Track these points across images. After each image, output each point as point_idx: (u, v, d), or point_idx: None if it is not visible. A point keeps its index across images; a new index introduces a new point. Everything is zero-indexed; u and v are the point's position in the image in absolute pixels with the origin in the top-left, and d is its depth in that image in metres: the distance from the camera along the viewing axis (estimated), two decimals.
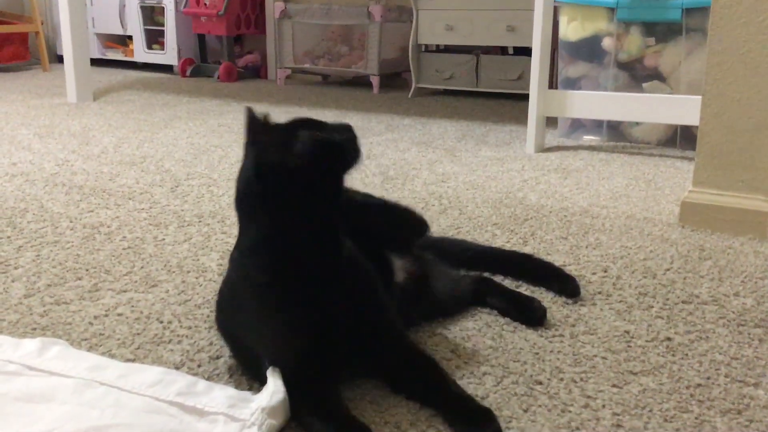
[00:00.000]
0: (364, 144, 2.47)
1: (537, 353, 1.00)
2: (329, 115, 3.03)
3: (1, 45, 4.47)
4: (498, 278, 1.25)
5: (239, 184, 0.87)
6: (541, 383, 0.92)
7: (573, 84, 2.55)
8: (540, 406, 0.87)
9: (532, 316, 1.10)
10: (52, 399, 0.76)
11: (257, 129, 0.85)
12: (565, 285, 1.22)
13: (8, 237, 1.48)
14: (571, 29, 2.51)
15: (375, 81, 3.84)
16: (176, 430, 0.74)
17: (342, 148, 0.85)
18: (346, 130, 0.86)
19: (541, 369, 0.96)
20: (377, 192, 1.82)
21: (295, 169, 0.82)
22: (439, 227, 1.57)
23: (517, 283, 1.25)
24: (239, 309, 0.91)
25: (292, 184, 0.83)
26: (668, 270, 1.33)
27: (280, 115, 2.99)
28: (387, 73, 3.94)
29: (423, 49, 3.71)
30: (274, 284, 0.85)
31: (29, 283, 1.25)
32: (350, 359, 0.89)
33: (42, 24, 4.59)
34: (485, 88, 3.56)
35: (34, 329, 1.08)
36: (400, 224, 1.09)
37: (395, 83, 4.04)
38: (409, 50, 3.64)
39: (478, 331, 1.08)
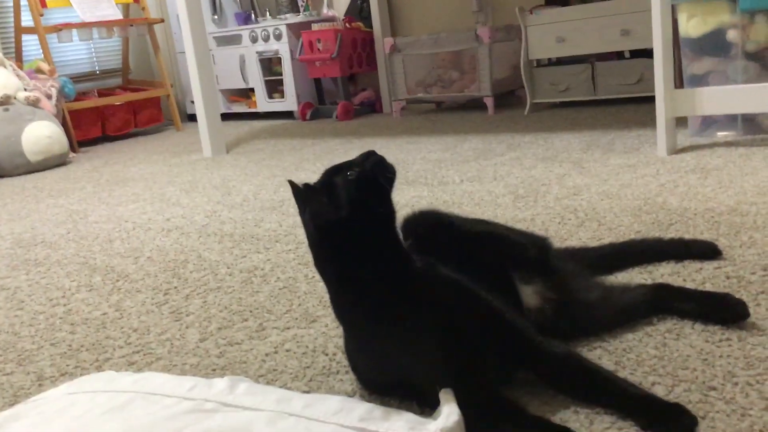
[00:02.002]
0: (488, 165, 2.48)
1: (705, 359, 0.98)
2: (448, 141, 3.07)
3: (137, 110, 4.84)
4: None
5: (311, 249, 0.96)
6: (714, 389, 0.91)
7: (700, 81, 2.46)
8: (718, 412, 0.86)
9: (733, 311, 1.07)
10: (250, 431, 0.82)
11: (302, 197, 0.94)
12: (706, 248, 1.35)
13: (175, 287, 1.61)
14: (692, 25, 2.43)
15: (489, 102, 3.86)
16: None
17: (374, 173, 0.92)
18: (371, 155, 0.94)
19: (713, 374, 0.94)
20: (509, 212, 1.85)
21: (348, 213, 0.89)
22: (579, 241, 1.57)
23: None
24: (376, 354, 0.96)
25: (351, 225, 0.90)
26: None
27: (401, 145, 3.05)
28: (501, 93, 3.95)
29: (535, 64, 3.70)
30: (388, 315, 0.91)
31: (202, 327, 1.36)
32: (501, 366, 0.93)
33: (171, 87, 4.94)
34: (604, 95, 3.50)
35: (214, 370, 1.17)
36: (513, 246, 1.10)
37: (510, 102, 4.04)
38: (521, 67, 3.64)
39: (639, 341, 1.07)
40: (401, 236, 0.98)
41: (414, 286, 0.91)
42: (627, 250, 1.38)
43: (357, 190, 0.90)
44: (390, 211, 0.93)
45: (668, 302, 1.13)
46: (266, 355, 1.20)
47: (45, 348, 1.34)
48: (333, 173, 0.93)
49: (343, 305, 0.97)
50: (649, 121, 2.39)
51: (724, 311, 1.08)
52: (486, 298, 0.94)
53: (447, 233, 1.08)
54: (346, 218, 0.89)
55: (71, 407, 0.91)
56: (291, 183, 0.94)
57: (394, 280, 0.91)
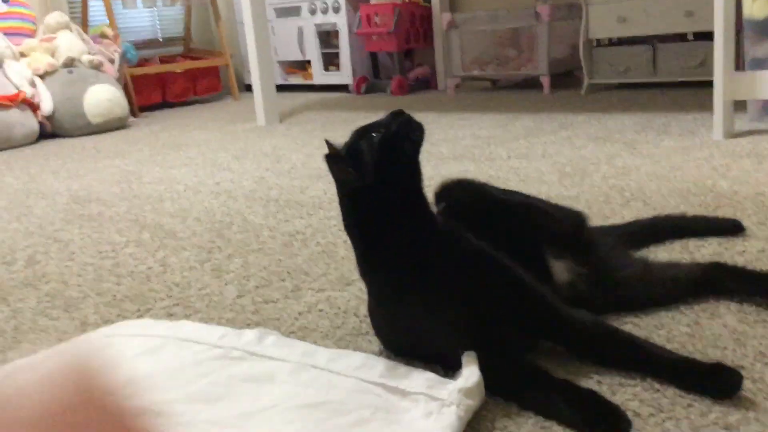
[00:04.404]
0: (538, 143, 2.46)
1: (737, 338, 0.97)
2: (500, 119, 3.04)
3: (197, 79, 4.92)
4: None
5: (342, 211, 0.96)
6: (743, 368, 0.89)
7: (762, 64, 2.38)
8: (745, 390, 0.84)
9: None
10: (273, 380, 0.85)
11: (331, 161, 0.92)
12: (730, 224, 1.36)
13: (218, 247, 1.65)
14: (757, 7, 2.35)
15: (545, 81, 3.81)
16: (382, 407, 0.81)
17: (399, 134, 0.90)
18: (398, 115, 0.93)
19: (743, 354, 0.93)
20: (554, 189, 1.83)
21: (372, 179, 0.89)
22: (622, 220, 1.54)
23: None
24: (399, 316, 0.96)
25: (376, 191, 0.90)
26: None
27: (453, 122, 3.03)
28: (558, 73, 3.88)
29: (595, 44, 3.62)
30: (410, 278, 0.92)
31: (240, 285, 1.39)
32: (523, 333, 0.93)
33: (231, 57, 5.00)
34: (664, 77, 3.41)
35: (248, 324, 1.20)
36: (547, 220, 1.09)
37: (567, 82, 3.97)
38: (580, 47, 3.57)
39: (672, 318, 1.05)
40: (432, 200, 0.98)
41: (437, 249, 0.92)
42: (649, 226, 1.36)
43: (380, 153, 0.89)
44: (416, 172, 0.93)
45: (721, 281, 1.09)
46: (299, 313, 1.22)
47: (91, 297, 1.40)
48: (360, 135, 0.92)
49: (367, 267, 0.97)
50: (708, 105, 2.32)
51: None
52: (509, 264, 0.94)
53: (481, 202, 1.07)
54: (370, 184, 0.89)
55: (106, 348, 0.95)
56: (327, 142, 0.94)
57: (418, 243, 0.91)
